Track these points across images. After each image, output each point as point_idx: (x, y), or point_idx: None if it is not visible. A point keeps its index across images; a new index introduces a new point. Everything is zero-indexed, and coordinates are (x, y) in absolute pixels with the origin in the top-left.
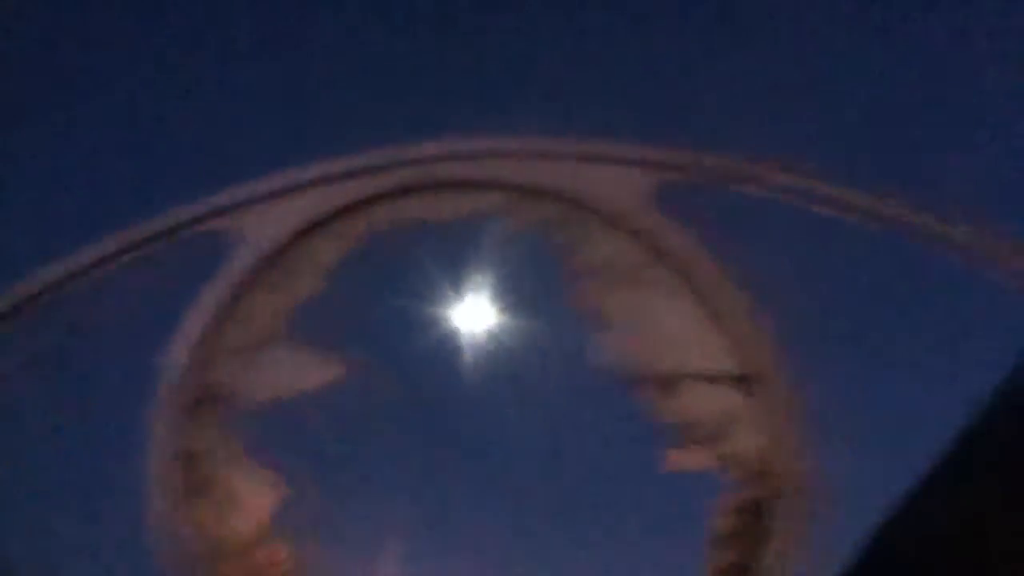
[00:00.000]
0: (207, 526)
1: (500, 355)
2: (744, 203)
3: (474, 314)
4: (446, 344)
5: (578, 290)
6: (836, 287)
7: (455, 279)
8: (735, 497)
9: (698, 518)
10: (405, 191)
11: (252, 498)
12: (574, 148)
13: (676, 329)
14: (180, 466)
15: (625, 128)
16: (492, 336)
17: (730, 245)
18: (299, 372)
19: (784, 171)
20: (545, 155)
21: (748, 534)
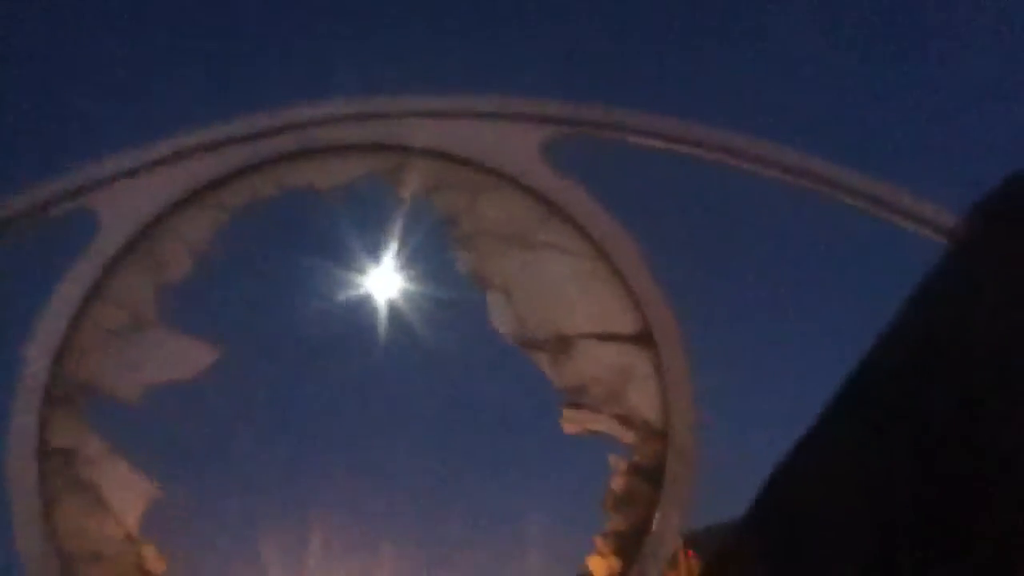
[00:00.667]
0: (74, 528)
1: (395, 321)
2: (636, 156)
3: (371, 280)
4: (330, 314)
5: (471, 254)
6: (723, 240)
7: (335, 246)
8: (629, 460)
9: (595, 480)
10: (282, 158)
11: (121, 499)
12: (458, 105)
13: (571, 290)
14: (44, 464)
15: (511, 83)
16: (385, 303)
17: (623, 200)
18: (171, 361)
19: (674, 121)
20: (428, 113)
21: (640, 497)
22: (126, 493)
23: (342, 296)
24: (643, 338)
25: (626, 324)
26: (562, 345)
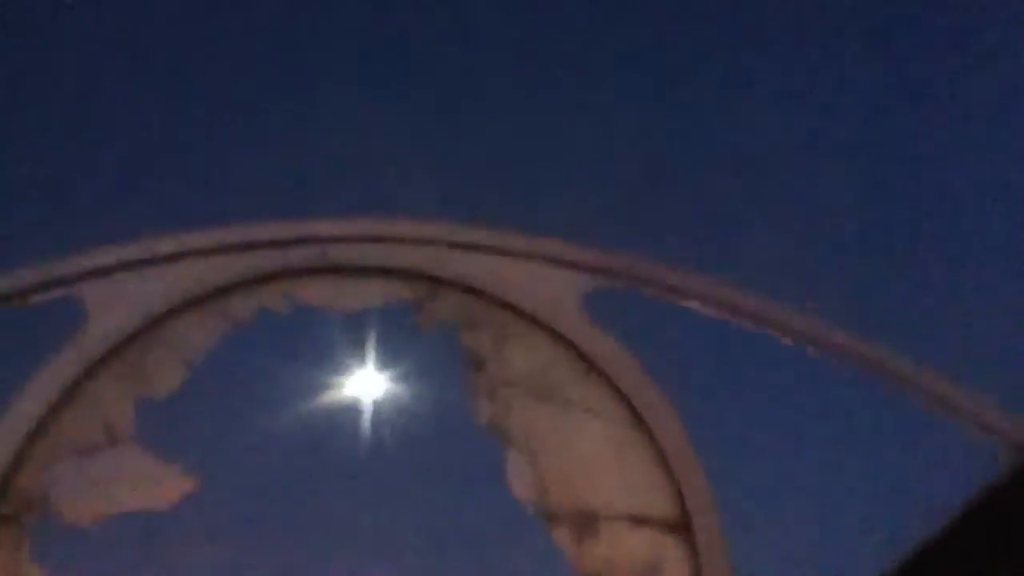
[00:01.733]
0: None
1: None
2: (686, 320)
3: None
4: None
5: (492, 405)
6: (769, 421)
7: (336, 366)
8: None
9: None
10: (298, 272)
11: None
12: (500, 240)
13: (602, 459)
14: None
15: (554, 227)
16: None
17: (667, 366)
18: (142, 486)
19: (725, 287)
20: (466, 246)
21: None
22: None
23: (325, 399)
24: (679, 526)
25: (662, 507)
26: (587, 523)
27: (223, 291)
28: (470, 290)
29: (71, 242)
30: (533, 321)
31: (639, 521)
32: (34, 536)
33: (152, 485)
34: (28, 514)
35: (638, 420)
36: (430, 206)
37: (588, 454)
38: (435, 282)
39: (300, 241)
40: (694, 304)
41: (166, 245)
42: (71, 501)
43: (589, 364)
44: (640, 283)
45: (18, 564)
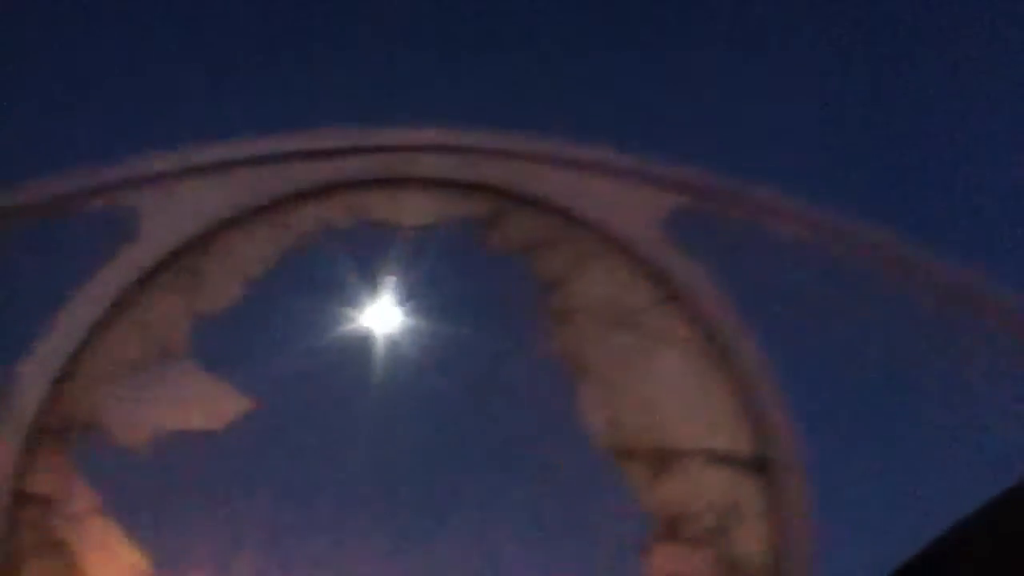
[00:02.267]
0: None
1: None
2: (775, 245)
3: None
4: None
5: (564, 331)
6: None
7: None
8: None
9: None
10: (362, 184)
11: (105, 570)
12: (581, 156)
13: (681, 392)
14: (16, 514)
15: (635, 142)
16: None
17: (752, 293)
18: (198, 405)
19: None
20: (545, 160)
21: None
22: (110, 569)
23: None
24: (759, 465)
25: (743, 444)
26: (662, 460)
27: (284, 201)
28: (546, 208)
29: (124, 148)
30: (612, 242)
31: (717, 459)
32: (84, 455)
33: (208, 404)
34: (77, 432)
35: (719, 351)
36: (501, 119)
37: (665, 386)
38: (509, 198)
39: (366, 150)
40: (785, 227)
41: (225, 152)
42: (122, 420)
43: (669, 290)
44: (726, 203)
45: (67, 483)
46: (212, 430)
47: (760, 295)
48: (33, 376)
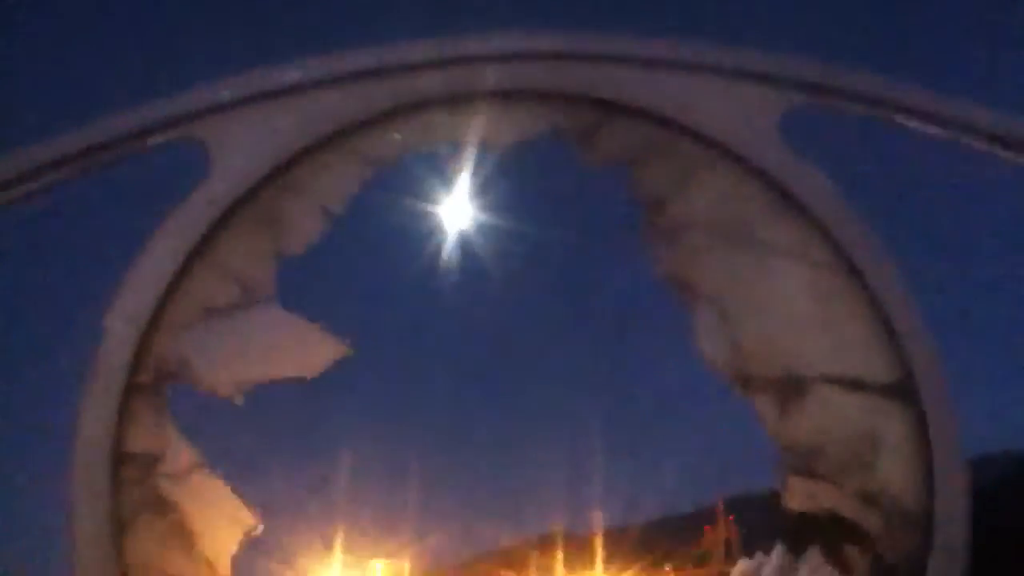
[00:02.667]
0: (145, 562)
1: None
2: (905, 144)
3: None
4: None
5: (673, 251)
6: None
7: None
8: (871, 553)
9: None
10: (443, 101)
11: (211, 531)
12: (681, 55)
13: (807, 312)
14: (118, 474)
15: (738, 36)
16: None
17: (882, 199)
18: (289, 352)
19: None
20: (642, 62)
21: None
22: (218, 524)
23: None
24: (901, 390)
25: (880, 368)
26: (792, 388)
27: (359, 126)
28: (646, 116)
29: (187, 76)
30: (721, 150)
31: (853, 385)
32: (177, 408)
33: (299, 349)
34: (167, 382)
35: (847, 265)
36: (589, 18)
37: (790, 307)
38: (605, 107)
39: (445, 63)
40: (914, 123)
41: (292, 74)
42: (211, 368)
43: (788, 199)
44: (849, 100)
45: (160, 434)
46: (305, 376)
47: (889, 201)
48: (119, 329)
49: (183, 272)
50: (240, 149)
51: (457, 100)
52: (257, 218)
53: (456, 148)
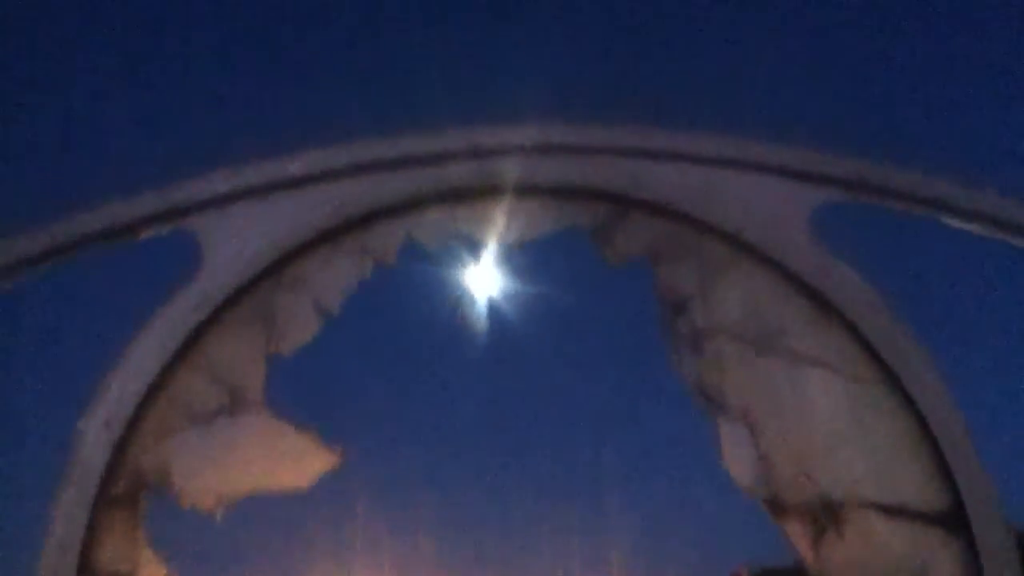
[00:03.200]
0: None
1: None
2: (948, 243)
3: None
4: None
5: (699, 360)
6: None
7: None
8: None
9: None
10: (450, 195)
11: None
12: (703, 148)
13: (844, 430)
14: None
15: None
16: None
17: (922, 306)
18: (276, 462)
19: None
20: (663, 155)
21: None
22: None
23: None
24: (950, 518)
25: (926, 492)
26: (827, 513)
27: (361, 220)
28: (668, 212)
29: (184, 167)
30: (750, 250)
31: (895, 511)
32: (152, 518)
33: (289, 459)
34: (144, 494)
35: (890, 379)
36: (610, 111)
37: (825, 423)
38: (624, 203)
39: (453, 156)
40: (957, 222)
41: (293, 167)
42: (192, 480)
43: (824, 305)
44: (888, 196)
45: (134, 549)
46: (294, 489)
47: (932, 305)
48: (95, 434)
49: (166, 374)
50: (233, 245)
51: (466, 195)
52: (249, 317)
53: (467, 246)
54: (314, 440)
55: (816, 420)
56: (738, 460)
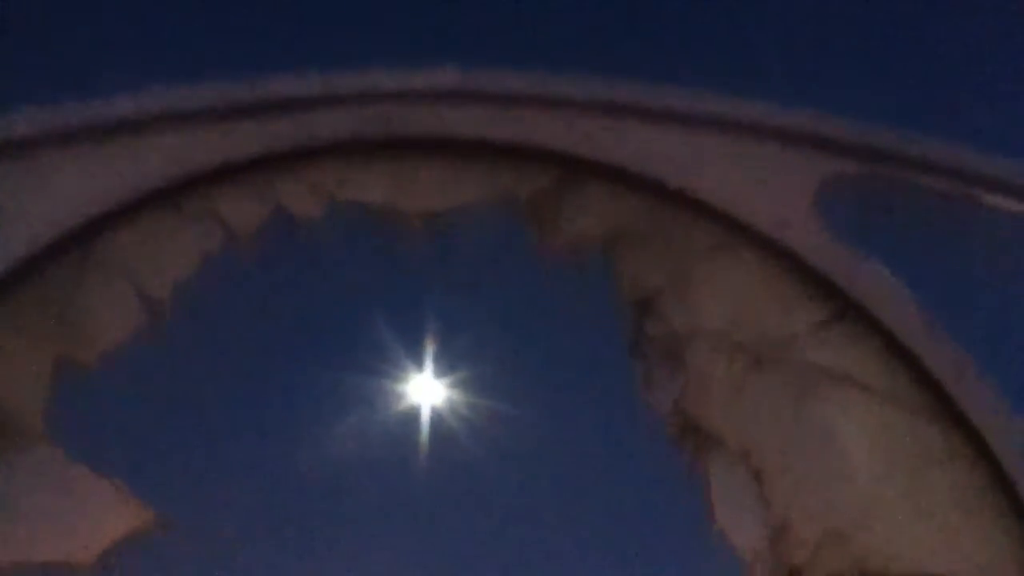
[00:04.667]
0: None
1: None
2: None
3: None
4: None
5: (675, 380)
6: None
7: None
8: None
9: None
10: (341, 149)
11: None
12: (685, 105)
13: (880, 475)
14: None
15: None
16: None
17: (964, 296)
18: (57, 519)
19: None
20: (631, 112)
21: None
22: None
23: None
24: None
25: (1000, 565)
26: None
27: (208, 179)
28: (636, 181)
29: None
30: (741, 234)
31: None
32: None
33: (77, 517)
34: None
35: (924, 399)
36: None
37: (859, 465)
38: (578, 168)
39: (351, 99)
40: (1000, 201)
41: (120, 107)
42: None
43: (837, 303)
44: (910, 169)
45: None
46: (80, 564)
47: (971, 300)
48: None
49: None
50: (32, 202)
51: (365, 149)
52: (37, 307)
53: (356, 218)
54: (119, 492)
55: (845, 461)
56: (737, 519)
